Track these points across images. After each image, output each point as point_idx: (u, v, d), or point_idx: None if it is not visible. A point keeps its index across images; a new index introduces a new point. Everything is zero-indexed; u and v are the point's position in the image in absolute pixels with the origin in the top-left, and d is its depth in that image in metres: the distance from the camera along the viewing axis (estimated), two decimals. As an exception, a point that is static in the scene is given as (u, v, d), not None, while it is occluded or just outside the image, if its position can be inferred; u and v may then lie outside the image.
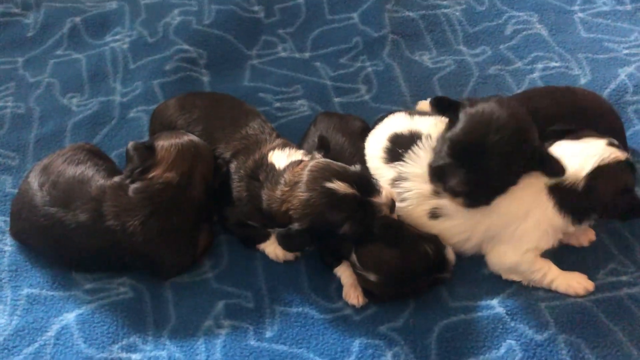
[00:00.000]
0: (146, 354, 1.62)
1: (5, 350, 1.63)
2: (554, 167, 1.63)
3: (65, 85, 2.32)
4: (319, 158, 1.71)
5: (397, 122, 1.86)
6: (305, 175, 1.64)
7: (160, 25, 2.47)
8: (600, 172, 1.64)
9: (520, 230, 1.68)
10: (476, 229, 1.72)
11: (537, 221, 1.67)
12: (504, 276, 1.73)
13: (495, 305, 1.67)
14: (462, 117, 1.64)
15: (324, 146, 1.79)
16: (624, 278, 1.72)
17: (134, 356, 1.61)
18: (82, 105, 2.25)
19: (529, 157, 1.63)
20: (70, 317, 1.69)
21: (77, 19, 2.52)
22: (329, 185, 1.59)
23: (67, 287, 1.76)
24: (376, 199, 1.62)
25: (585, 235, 1.79)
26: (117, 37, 2.46)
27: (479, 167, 1.61)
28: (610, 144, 1.67)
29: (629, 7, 2.48)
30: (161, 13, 2.52)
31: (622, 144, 1.80)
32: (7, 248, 1.85)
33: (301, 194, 1.62)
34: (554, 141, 1.74)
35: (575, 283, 1.68)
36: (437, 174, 1.67)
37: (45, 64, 2.40)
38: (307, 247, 1.74)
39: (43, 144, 2.12)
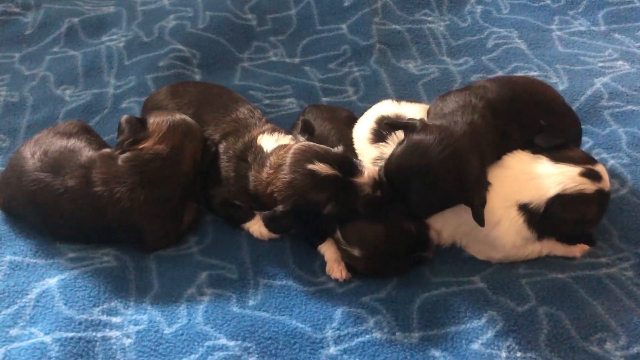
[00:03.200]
0: (127, 318, 1.60)
1: (-16, 312, 1.61)
2: (477, 218, 1.62)
3: (60, 78, 2.37)
4: (302, 141, 1.76)
5: (384, 107, 1.93)
6: (288, 158, 1.68)
7: (156, 28, 2.56)
8: (559, 201, 1.65)
9: (492, 236, 1.69)
10: (447, 223, 1.75)
11: (507, 230, 1.68)
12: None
13: (477, 281, 1.70)
14: (405, 143, 1.65)
15: (307, 130, 1.84)
16: (602, 260, 1.75)
17: (114, 319, 1.60)
18: (75, 96, 2.30)
19: (457, 198, 1.63)
20: (52, 282, 1.68)
21: (75, 20, 2.61)
22: (311, 166, 1.63)
23: (50, 255, 1.75)
24: (358, 179, 1.64)
25: (578, 246, 1.78)
26: (114, 37, 2.55)
27: (403, 197, 1.64)
28: (583, 174, 1.67)
29: (602, 28, 2.62)
30: (157, 17, 2.62)
31: (576, 141, 1.88)
32: (-8, 219, 1.85)
33: (284, 176, 1.66)
34: (537, 152, 1.75)
35: (571, 247, 1.75)
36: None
37: (41, 60, 2.46)
38: (292, 229, 1.76)
39: (35, 129, 2.14)
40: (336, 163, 1.64)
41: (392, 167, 1.66)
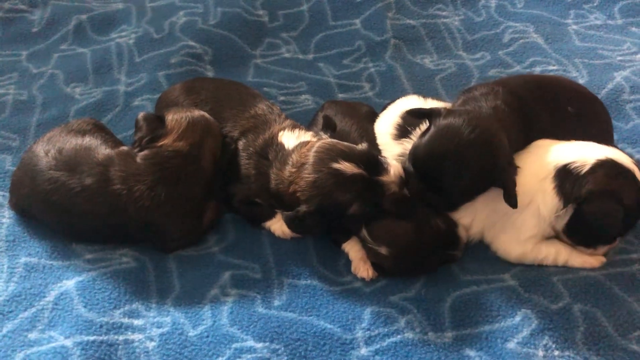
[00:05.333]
0: (149, 320, 1.55)
1: (0, 315, 1.55)
2: (509, 198, 1.58)
3: (69, 76, 2.32)
4: (325, 138, 1.71)
5: (409, 102, 1.88)
6: (311, 156, 1.63)
7: (166, 24, 2.50)
8: (608, 164, 1.59)
9: (520, 219, 1.65)
10: (478, 215, 1.71)
11: (537, 209, 1.64)
12: (518, 263, 1.70)
13: (508, 279, 1.65)
14: (432, 129, 1.62)
15: (329, 126, 1.78)
16: (634, 256, 1.71)
17: (136, 322, 1.55)
18: (85, 94, 2.25)
19: (490, 179, 1.60)
20: (69, 283, 1.62)
21: (83, 17, 2.55)
22: (336, 165, 1.58)
23: (66, 257, 1.70)
24: (384, 178, 1.60)
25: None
26: (123, 33, 2.49)
27: (435, 184, 1.61)
28: (634, 162, 1.64)
29: (619, 22, 2.58)
30: (167, 14, 2.56)
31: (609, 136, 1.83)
32: (5, 220, 1.80)
33: (308, 175, 1.61)
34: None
35: (588, 257, 1.66)
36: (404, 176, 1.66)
37: (49, 57, 2.41)
38: (315, 230, 1.69)
39: (45, 128, 2.09)
40: (361, 161, 1.59)
41: (421, 155, 1.61)
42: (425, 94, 2.22)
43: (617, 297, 1.59)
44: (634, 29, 2.54)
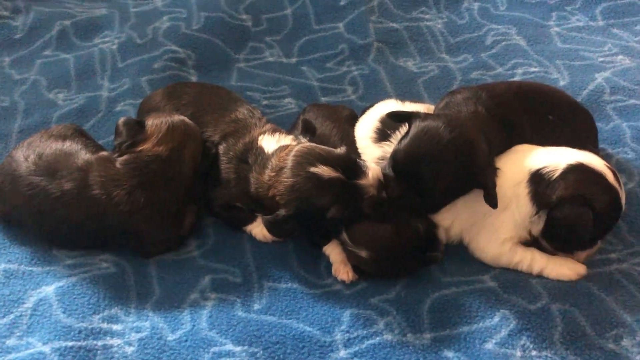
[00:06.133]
0: (128, 325, 1.55)
1: (-23, 323, 1.55)
2: (489, 198, 1.59)
3: (52, 82, 2.32)
4: (304, 142, 1.71)
5: (388, 106, 1.89)
6: (290, 160, 1.63)
7: (149, 29, 2.51)
8: (580, 169, 1.59)
9: (499, 220, 1.66)
10: (458, 217, 1.71)
11: (513, 212, 1.65)
12: (494, 266, 1.70)
13: (487, 280, 1.66)
14: (411, 132, 1.63)
15: (309, 130, 1.79)
16: (613, 255, 1.72)
17: (115, 327, 1.54)
18: (68, 99, 2.25)
19: (469, 180, 1.62)
20: (49, 289, 1.62)
21: (67, 22, 2.55)
22: (314, 169, 1.59)
23: (46, 262, 1.70)
24: (363, 181, 1.60)
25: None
26: (107, 39, 2.49)
27: (414, 186, 1.62)
28: (608, 167, 1.62)
29: (601, 23, 2.60)
30: (151, 19, 2.57)
31: (592, 142, 1.84)
32: (-17, 226, 1.79)
33: (286, 179, 1.61)
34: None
35: (566, 269, 1.64)
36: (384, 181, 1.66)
37: (32, 64, 2.41)
38: (295, 233, 1.71)
39: (27, 134, 2.07)
40: (339, 165, 1.59)
41: (400, 157, 1.63)
42: (408, 97, 2.24)
43: (595, 297, 1.59)
44: (615, 30, 2.56)
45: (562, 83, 2.29)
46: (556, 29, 2.58)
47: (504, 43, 2.50)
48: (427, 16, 2.64)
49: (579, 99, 2.20)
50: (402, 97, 2.22)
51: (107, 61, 2.39)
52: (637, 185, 1.90)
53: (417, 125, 1.62)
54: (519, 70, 2.37)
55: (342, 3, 2.65)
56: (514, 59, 2.42)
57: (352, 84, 2.34)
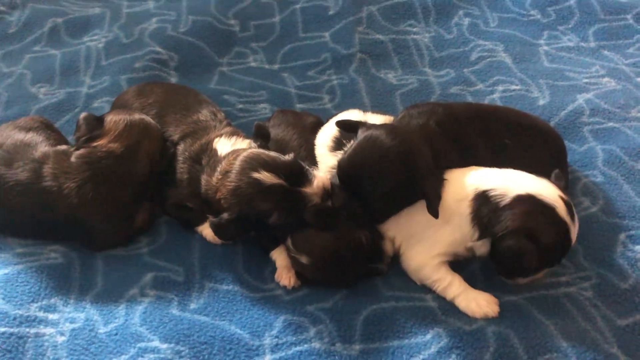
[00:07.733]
0: (64, 315, 1.57)
1: None
2: (431, 207, 1.58)
3: (36, 76, 2.38)
4: (254, 147, 1.72)
5: (350, 115, 1.89)
6: (236, 164, 1.64)
7: (137, 30, 2.56)
8: (530, 200, 1.54)
9: (438, 233, 1.63)
10: (401, 227, 1.69)
11: (454, 227, 1.61)
12: (416, 280, 1.66)
13: (429, 300, 1.62)
14: (355, 142, 1.64)
15: (261, 135, 1.79)
16: (563, 279, 1.68)
17: (51, 316, 1.57)
18: (49, 94, 2.30)
19: (410, 188, 1.60)
20: (-6, 276, 1.66)
21: (59, 20, 2.62)
22: (256, 175, 1.59)
23: (-2, 249, 1.74)
24: (307, 189, 1.59)
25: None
26: (95, 37, 2.55)
27: (356, 194, 1.62)
28: (562, 199, 1.56)
29: (592, 44, 2.55)
30: (140, 20, 2.62)
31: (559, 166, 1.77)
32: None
33: (229, 183, 1.63)
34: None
35: (474, 305, 1.57)
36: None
37: (21, 58, 2.48)
38: (238, 236, 1.72)
39: (4, 125, 2.15)
40: (283, 172, 1.60)
41: (343, 165, 1.64)
42: (383, 108, 2.24)
43: (534, 320, 1.55)
44: (606, 52, 2.51)
45: (541, 102, 2.25)
46: (545, 47, 2.54)
47: (488, 59, 2.47)
48: (414, 29, 2.63)
49: (556, 119, 2.17)
50: (377, 109, 2.24)
51: (92, 59, 2.45)
52: (600, 209, 1.85)
53: (361, 134, 1.62)
54: (500, 87, 2.34)
55: (331, 12, 2.66)
56: (496, 75, 2.40)
57: (330, 92, 2.35)
